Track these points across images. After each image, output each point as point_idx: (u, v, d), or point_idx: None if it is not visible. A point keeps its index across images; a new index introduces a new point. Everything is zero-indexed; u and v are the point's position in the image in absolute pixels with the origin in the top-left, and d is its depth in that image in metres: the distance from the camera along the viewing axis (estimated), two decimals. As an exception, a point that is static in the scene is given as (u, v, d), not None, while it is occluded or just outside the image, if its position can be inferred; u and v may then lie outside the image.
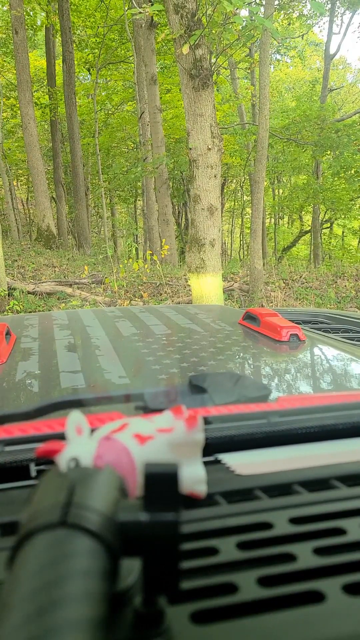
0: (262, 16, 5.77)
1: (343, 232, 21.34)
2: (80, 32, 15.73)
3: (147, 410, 0.75)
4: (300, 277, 10.00)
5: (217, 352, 1.37)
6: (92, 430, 0.55)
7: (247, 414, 0.74)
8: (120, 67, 17.55)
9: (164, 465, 0.35)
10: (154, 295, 8.51)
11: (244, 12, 11.53)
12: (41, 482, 0.38)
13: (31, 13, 13.48)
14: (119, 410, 0.79)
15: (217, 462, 0.65)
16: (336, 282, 9.91)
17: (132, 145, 18.41)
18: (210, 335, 1.58)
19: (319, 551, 0.46)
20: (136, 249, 14.29)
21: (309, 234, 18.67)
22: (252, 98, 14.86)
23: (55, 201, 16.46)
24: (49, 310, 7.50)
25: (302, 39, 18.05)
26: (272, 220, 20.99)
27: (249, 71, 14.91)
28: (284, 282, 9.75)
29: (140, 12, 4.63)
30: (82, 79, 18.94)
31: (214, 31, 4.61)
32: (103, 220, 17.88)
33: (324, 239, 19.87)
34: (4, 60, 15.97)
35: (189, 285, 6.17)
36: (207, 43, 4.58)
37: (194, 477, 0.54)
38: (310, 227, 18.39)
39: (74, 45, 14.53)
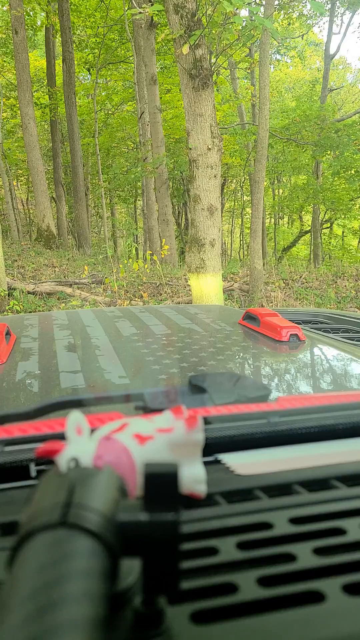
0: (262, 16, 5.77)
1: (343, 232, 21.34)
2: (80, 32, 15.72)
3: (147, 410, 0.75)
4: (300, 277, 10.00)
5: (217, 352, 1.37)
6: (92, 430, 0.55)
7: (247, 414, 0.74)
8: (120, 67, 17.54)
9: (163, 465, 0.35)
10: (153, 295, 8.50)
11: (244, 12, 11.53)
12: (41, 482, 0.38)
13: (31, 13, 13.47)
14: (119, 410, 0.79)
15: (217, 462, 0.65)
16: (336, 282, 9.90)
17: (132, 145, 18.39)
18: (210, 335, 1.57)
19: (318, 551, 0.46)
20: (136, 249, 14.29)
21: (309, 234, 18.67)
22: (252, 98, 14.85)
23: (55, 201, 16.45)
24: (49, 310, 7.49)
25: (302, 39, 18.05)
26: (272, 220, 20.99)
27: (249, 71, 14.90)
28: (284, 282, 9.75)
29: (140, 12, 4.63)
30: (82, 79, 18.93)
31: (214, 31, 4.61)
32: (103, 220, 17.88)
33: (324, 239, 19.86)
34: (4, 60, 15.96)
35: (189, 285, 6.17)
36: (207, 43, 4.58)
37: (194, 477, 0.54)
38: (310, 227, 18.39)
39: (74, 45, 14.52)
